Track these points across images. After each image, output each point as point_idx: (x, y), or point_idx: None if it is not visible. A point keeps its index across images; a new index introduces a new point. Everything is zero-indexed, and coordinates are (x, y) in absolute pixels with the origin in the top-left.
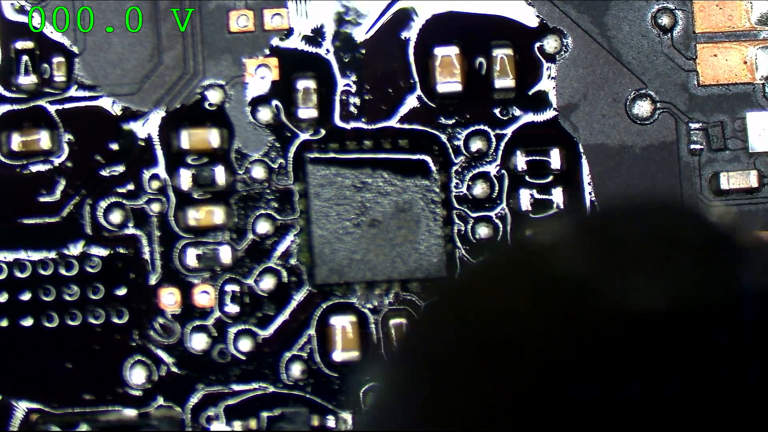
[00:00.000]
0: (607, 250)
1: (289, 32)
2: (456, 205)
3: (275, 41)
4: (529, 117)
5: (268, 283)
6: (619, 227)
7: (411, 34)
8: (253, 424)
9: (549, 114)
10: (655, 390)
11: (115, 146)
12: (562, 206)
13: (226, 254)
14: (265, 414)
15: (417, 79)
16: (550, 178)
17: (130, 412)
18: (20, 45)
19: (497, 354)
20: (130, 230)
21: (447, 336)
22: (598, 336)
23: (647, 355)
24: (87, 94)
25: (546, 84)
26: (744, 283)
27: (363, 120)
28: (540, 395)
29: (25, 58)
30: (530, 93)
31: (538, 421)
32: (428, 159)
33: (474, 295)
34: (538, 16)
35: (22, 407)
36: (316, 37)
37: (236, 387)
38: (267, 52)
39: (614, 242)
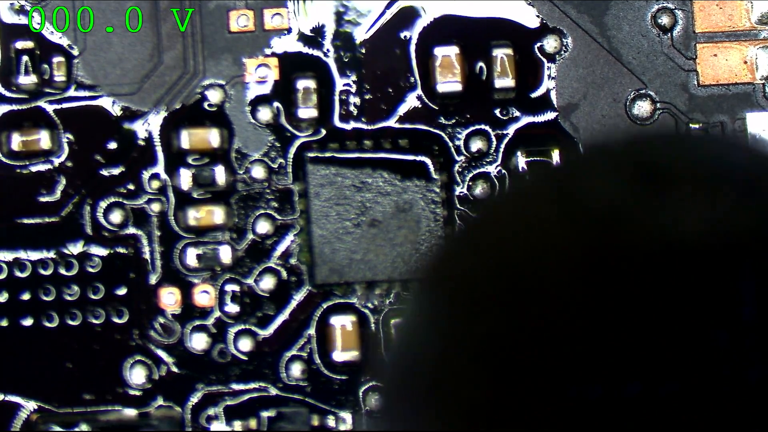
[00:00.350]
0: (645, 176)
1: (288, 32)
2: (457, 206)
3: (275, 41)
4: (530, 117)
5: (268, 282)
6: (654, 153)
7: (411, 33)
8: (253, 424)
9: (549, 114)
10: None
11: (115, 146)
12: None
13: (226, 254)
14: (265, 414)
15: (417, 78)
16: None
17: (130, 412)
18: (20, 45)
19: (525, 283)
20: (131, 230)
21: (475, 264)
22: (631, 268)
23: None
24: (87, 94)
25: (546, 84)
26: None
27: (363, 120)
28: (564, 326)
29: (25, 58)
30: (533, 96)
31: (560, 352)
32: (427, 161)
33: (503, 221)
34: (538, 16)
35: (29, 406)
36: (316, 36)
37: (236, 387)
38: (267, 52)
39: (650, 168)
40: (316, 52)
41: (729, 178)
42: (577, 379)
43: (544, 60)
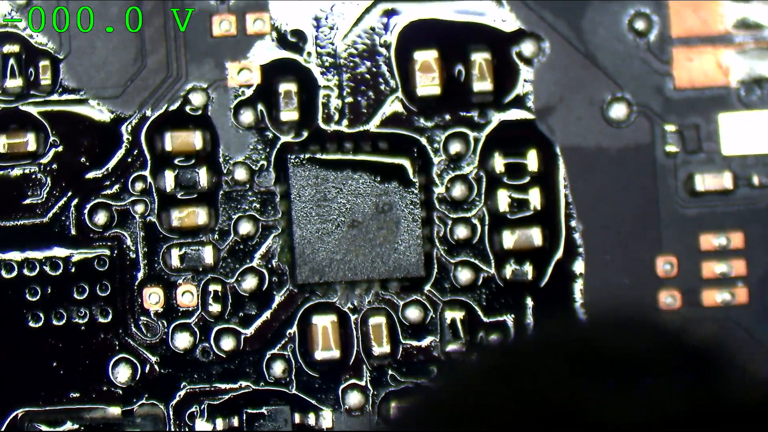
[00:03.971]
0: (584, 365)
1: (270, 36)
2: (436, 207)
3: (257, 45)
4: (507, 119)
5: (250, 282)
6: (601, 342)
7: (391, 38)
8: (235, 421)
9: (526, 117)
10: None
11: (99, 148)
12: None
13: (208, 255)
14: (247, 412)
15: (398, 82)
16: (527, 179)
17: (115, 410)
18: (6, 49)
19: None
20: (115, 231)
21: None
22: None
23: None
24: (72, 97)
25: (523, 88)
26: (722, 396)
27: (344, 123)
28: None
29: (11, 61)
30: (510, 99)
31: None
32: (407, 163)
33: (453, 401)
34: (515, 21)
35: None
36: (297, 40)
37: (219, 385)
38: (249, 56)
39: (597, 357)
40: (296, 56)
41: (659, 365)
42: None
43: (522, 64)
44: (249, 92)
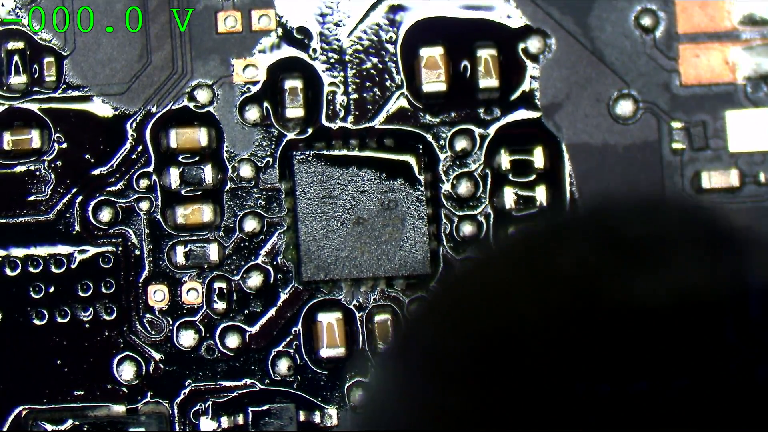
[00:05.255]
0: (610, 245)
1: (276, 33)
2: (442, 204)
3: (263, 42)
4: (513, 116)
5: (255, 280)
6: (622, 223)
7: (397, 34)
8: (240, 419)
9: (533, 114)
10: (663, 387)
11: (104, 145)
12: (547, 204)
13: (214, 252)
14: (252, 410)
15: (403, 79)
16: (534, 176)
17: (119, 408)
18: (11, 46)
19: (498, 351)
20: (120, 228)
21: (446, 332)
22: (601, 332)
23: (653, 352)
24: (77, 94)
25: (530, 84)
26: (748, 277)
27: (349, 120)
28: (542, 393)
29: (15, 58)
30: (516, 95)
31: (540, 419)
32: (412, 160)
33: (473, 291)
34: (521, 17)
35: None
36: (302, 37)
37: (224, 383)
38: (255, 52)
39: (617, 238)
40: (302, 53)
41: (687, 246)
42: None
43: (528, 60)
44: (254, 89)
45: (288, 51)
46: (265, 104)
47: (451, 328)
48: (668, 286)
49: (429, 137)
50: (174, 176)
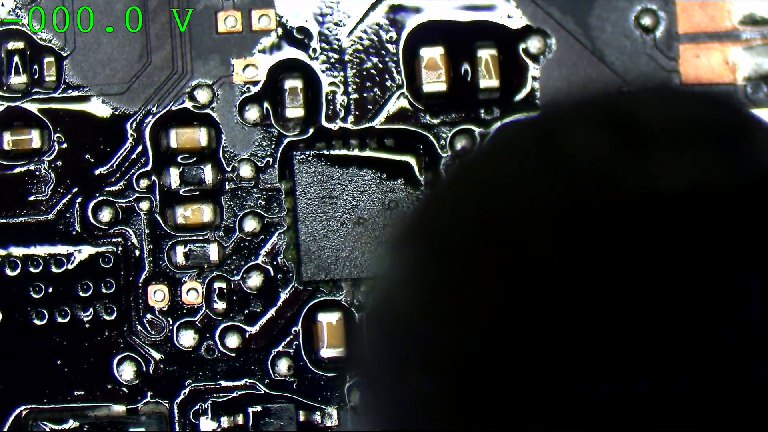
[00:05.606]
0: (625, 130)
1: (276, 32)
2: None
3: (263, 42)
4: (513, 116)
5: (255, 280)
6: (637, 108)
7: (397, 34)
8: (240, 419)
9: (533, 114)
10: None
11: (104, 145)
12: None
13: (213, 252)
14: (251, 410)
15: (404, 79)
16: None
17: (119, 408)
18: (11, 46)
19: (510, 239)
20: (120, 228)
21: (457, 218)
22: (616, 218)
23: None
24: (77, 93)
25: (530, 85)
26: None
27: (349, 120)
28: (552, 278)
29: (15, 58)
30: (516, 96)
31: (548, 303)
32: (413, 160)
33: (484, 175)
34: (522, 17)
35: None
36: (303, 37)
37: (223, 383)
38: (255, 52)
39: (633, 123)
40: (302, 53)
41: (707, 132)
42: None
43: (528, 60)
44: (254, 89)
45: (288, 51)
46: (265, 104)
47: (463, 214)
48: (686, 170)
49: (430, 137)
50: (174, 176)
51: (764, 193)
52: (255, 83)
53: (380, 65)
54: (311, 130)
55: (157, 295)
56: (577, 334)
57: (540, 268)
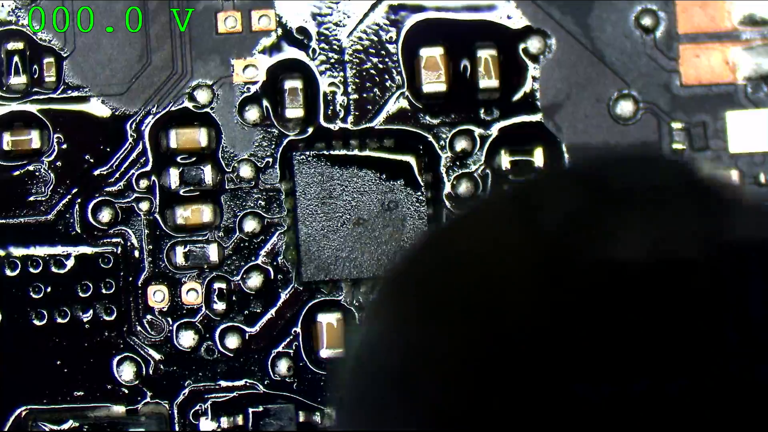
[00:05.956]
0: (592, 199)
1: (276, 33)
2: (446, 204)
3: (263, 42)
4: (513, 117)
5: (255, 280)
6: (606, 177)
7: (397, 34)
8: (240, 420)
9: (533, 114)
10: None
11: (104, 145)
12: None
13: (213, 252)
14: (251, 410)
15: (403, 79)
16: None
17: (119, 409)
18: (11, 46)
19: (487, 303)
20: (119, 228)
21: (437, 282)
22: (582, 288)
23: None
24: (77, 94)
25: (530, 85)
26: (732, 233)
27: (349, 120)
28: (528, 334)
29: (15, 58)
30: (516, 96)
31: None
32: (413, 161)
33: (463, 241)
34: (522, 18)
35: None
36: (302, 37)
37: (223, 383)
38: (255, 52)
39: (601, 192)
40: (301, 53)
41: (672, 201)
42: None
43: (528, 61)
44: (254, 89)
45: (288, 51)
46: (265, 104)
47: (442, 276)
48: (654, 240)
49: (429, 138)
50: (174, 176)
51: (731, 260)
52: (255, 83)
53: (380, 65)
54: (311, 131)
55: (157, 296)
56: (560, 293)
57: (516, 327)
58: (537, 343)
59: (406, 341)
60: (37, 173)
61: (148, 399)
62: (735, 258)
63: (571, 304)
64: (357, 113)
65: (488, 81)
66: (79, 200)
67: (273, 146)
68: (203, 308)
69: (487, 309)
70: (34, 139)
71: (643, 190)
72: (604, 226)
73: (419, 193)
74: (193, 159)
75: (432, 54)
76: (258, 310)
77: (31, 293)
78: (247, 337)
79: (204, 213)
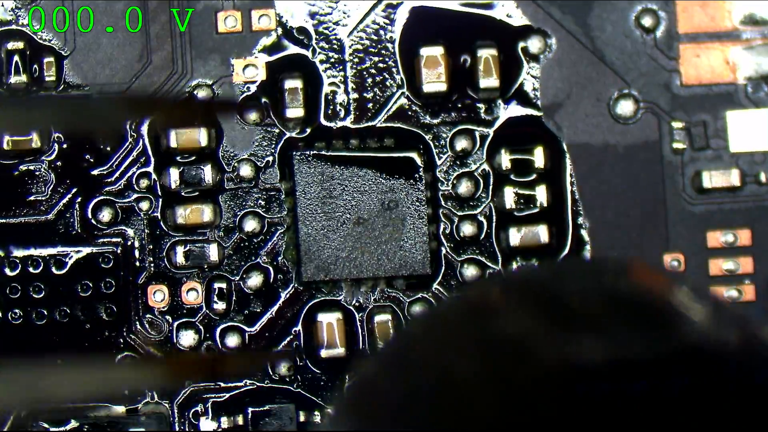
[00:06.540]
0: (546, 308)
1: (276, 32)
2: (442, 203)
3: (263, 42)
4: (514, 116)
5: (255, 280)
6: (559, 286)
7: (397, 33)
8: (240, 420)
9: (533, 113)
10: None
11: (104, 145)
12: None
13: (213, 252)
14: (251, 410)
15: (404, 78)
16: (534, 176)
17: (119, 408)
18: (11, 46)
19: (448, 413)
20: (119, 228)
21: (397, 390)
22: (538, 394)
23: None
24: (77, 93)
25: (530, 84)
26: (680, 339)
27: (349, 119)
28: None
29: (15, 58)
30: (513, 92)
31: None
32: (414, 156)
33: (418, 347)
34: (522, 17)
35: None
36: (302, 37)
37: (223, 383)
38: (255, 52)
39: (553, 301)
40: (302, 52)
41: (621, 309)
42: None
43: (529, 60)
44: (254, 89)
45: (288, 51)
46: (265, 103)
47: (395, 395)
48: (601, 346)
49: (429, 137)
50: (174, 176)
51: (684, 365)
52: (255, 83)
53: (380, 65)
54: (310, 130)
55: (157, 296)
56: (519, 398)
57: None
58: (488, 412)
59: None
60: (37, 173)
61: (149, 399)
62: (682, 359)
63: (533, 406)
64: (357, 112)
65: (488, 80)
66: (79, 200)
67: (273, 146)
68: (203, 308)
69: (450, 414)
70: (34, 138)
71: (594, 305)
72: (560, 337)
73: (419, 193)
74: (193, 158)
75: (432, 53)
76: (258, 310)
77: (32, 293)
78: (247, 337)
79: (204, 212)
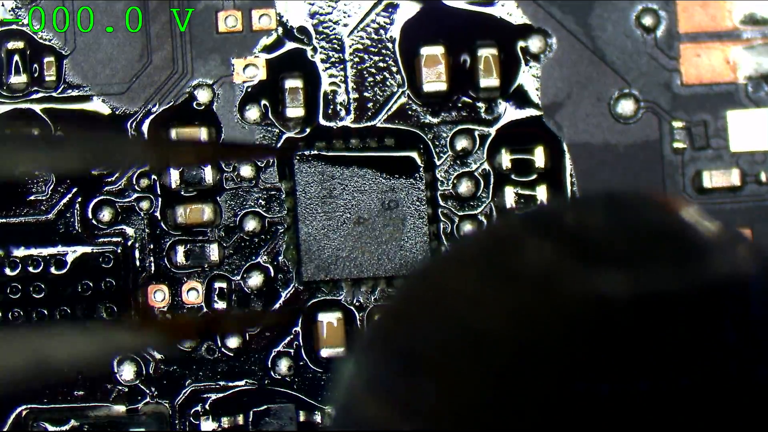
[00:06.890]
0: (570, 243)
1: (276, 32)
2: (441, 203)
3: (263, 41)
4: (514, 116)
5: (255, 280)
6: (584, 218)
7: (397, 33)
8: (240, 419)
9: (534, 113)
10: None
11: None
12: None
13: (214, 252)
14: (252, 410)
15: (404, 78)
16: (534, 175)
17: (119, 408)
18: (11, 46)
19: (469, 352)
20: (120, 227)
21: (417, 329)
22: (565, 325)
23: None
24: (77, 93)
25: (530, 83)
26: (710, 274)
27: (349, 119)
28: (512, 392)
29: (15, 58)
30: (513, 91)
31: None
32: (415, 156)
33: (439, 286)
34: (522, 17)
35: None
36: (303, 37)
37: (223, 383)
38: (255, 52)
39: (579, 233)
40: (302, 52)
41: (651, 242)
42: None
43: (529, 60)
44: (255, 88)
45: (288, 50)
46: (265, 103)
47: (422, 325)
48: (628, 279)
49: (429, 137)
50: (174, 176)
51: (709, 299)
52: (255, 82)
53: (380, 64)
54: (310, 129)
55: (157, 295)
56: (544, 334)
57: (496, 371)
58: (511, 348)
59: (391, 391)
60: (37, 173)
61: (149, 399)
62: (711, 292)
63: (559, 336)
64: (357, 112)
65: (489, 80)
66: (79, 199)
67: (273, 145)
68: (204, 308)
69: (473, 354)
70: None
71: (619, 239)
72: (585, 270)
73: (419, 192)
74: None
75: (432, 53)
76: (258, 310)
77: (32, 293)
78: (247, 337)
79: (204, 212)
